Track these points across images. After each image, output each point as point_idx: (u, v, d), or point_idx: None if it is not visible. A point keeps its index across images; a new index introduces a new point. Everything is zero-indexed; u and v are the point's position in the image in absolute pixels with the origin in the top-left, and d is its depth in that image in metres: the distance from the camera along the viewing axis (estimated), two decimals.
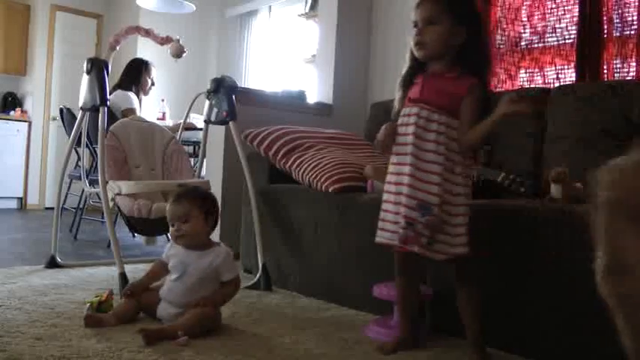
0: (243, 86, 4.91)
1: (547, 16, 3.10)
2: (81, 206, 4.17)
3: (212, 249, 1.93)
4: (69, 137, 3.22)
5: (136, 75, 4.23)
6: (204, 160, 3.18)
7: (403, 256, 1.77)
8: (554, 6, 3.07)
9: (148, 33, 3.16)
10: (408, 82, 1.76)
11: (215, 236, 3.20)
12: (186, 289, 1.87)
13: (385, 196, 1.75)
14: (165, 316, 1.88)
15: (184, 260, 1.90)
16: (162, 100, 4.85)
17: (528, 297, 1.78)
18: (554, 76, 3.05)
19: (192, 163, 3.20)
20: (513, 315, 1.81)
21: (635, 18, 2.75)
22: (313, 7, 4.89)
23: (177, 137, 3.06)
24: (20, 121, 6.23)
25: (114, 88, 4.01)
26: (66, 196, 4.22)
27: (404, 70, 1.78)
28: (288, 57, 5.47)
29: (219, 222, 2.04)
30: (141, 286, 1.96)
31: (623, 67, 2.78)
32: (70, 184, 4.28)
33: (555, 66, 3.05)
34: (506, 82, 3.24)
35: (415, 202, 1.63)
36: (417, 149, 1.66)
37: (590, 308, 1.64)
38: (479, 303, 1.71)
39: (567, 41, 3.01)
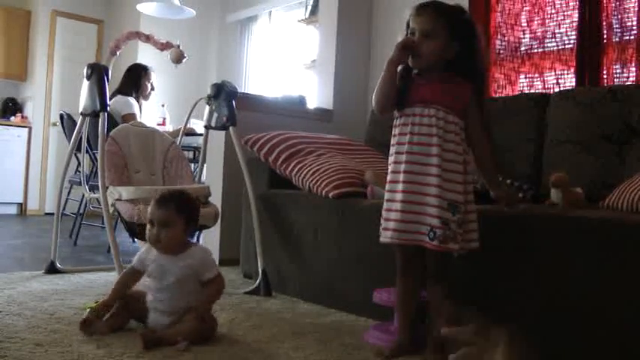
0: (243, 91, 4.89)
1: (547, 21, 3.11)
2: (81, 211, 4.17)
3: (189, 250, 1.89)
4: (69, 143, 3.22)
5: (136, 80, 4.23)
6: (205, 166, 3.18)
7: (409, 257, 1.78)
8: (553, 11, 3.08)
9: (148, 38, 3.17)
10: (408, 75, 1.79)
11: (215, 241, 3.23)
12: (172, 295, 1.84)
13: (388, 195, 1.76)
14: (159, 327, 1.82)
15: (163, 265, 1.86)
16: (163, 106, 4.85)
17: (527, 300, 1.77)
18: (554, 81, 3.06)
19: (192, 169, 3.19)
20: (511, 318, 1.80)
21: (634, 23, 2.75)
22: (313, 12, 4.90)
23: (178, 142, 3.06)
24: (20, 126, 6.23)
25: (114, 94, 4.01)
26: (66, 202, 4.22)
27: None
28: (288, 62, 5.48)
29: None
30: (106, 308, 1.86)
31: (622, 72, 2.79)
32: (70, 189, 4.28)
33: (555, 71, 3.06)
34: (505, 87, 3.25)
35: (446, 202, 1.68)
36: (441, 150, 1.70)
37: (590, 310, 1.64)
38: (449, 300, 1.76)
39: (567, 46, 3.01)
